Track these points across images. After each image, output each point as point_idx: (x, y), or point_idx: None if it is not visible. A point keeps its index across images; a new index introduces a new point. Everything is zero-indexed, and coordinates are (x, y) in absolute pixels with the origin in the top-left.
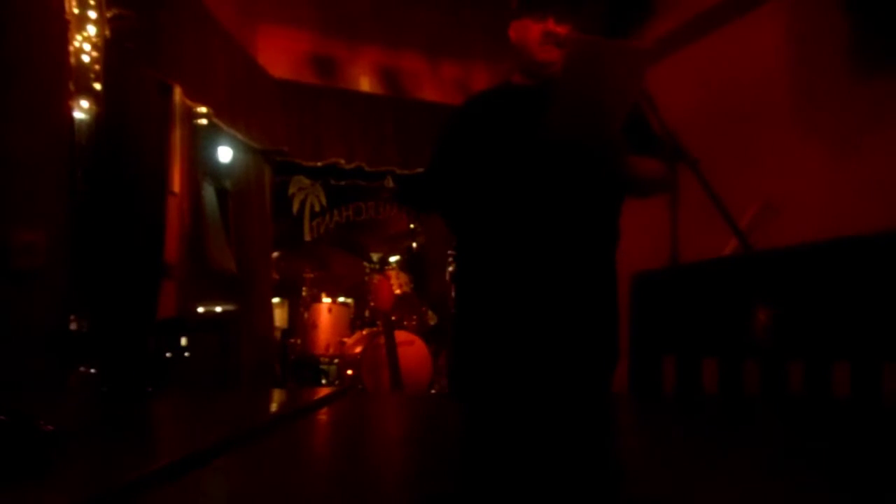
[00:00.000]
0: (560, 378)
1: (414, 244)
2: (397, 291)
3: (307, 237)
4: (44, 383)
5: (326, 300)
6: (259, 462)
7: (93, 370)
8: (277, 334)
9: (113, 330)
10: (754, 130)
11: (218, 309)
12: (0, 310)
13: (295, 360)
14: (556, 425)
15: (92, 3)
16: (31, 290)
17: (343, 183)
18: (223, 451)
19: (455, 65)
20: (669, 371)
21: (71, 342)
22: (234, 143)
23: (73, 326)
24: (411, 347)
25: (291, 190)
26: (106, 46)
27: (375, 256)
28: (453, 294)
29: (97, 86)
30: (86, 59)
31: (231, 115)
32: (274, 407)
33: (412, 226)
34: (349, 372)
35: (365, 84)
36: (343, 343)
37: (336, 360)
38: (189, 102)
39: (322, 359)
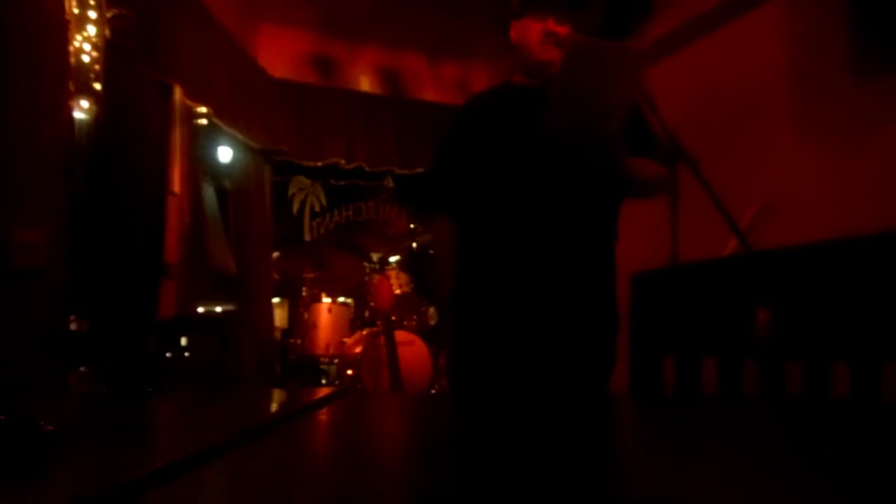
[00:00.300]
0: (559, 377)
1: (414, 244)
2: (397, 291)
3: (307, 237)
4: (44, 383)
5: (326, 300)
6: (259, 462)
7: (93, 370)
8: (277, 334)
9: (113, 330)
10: (754, 130)
11: (218, 309)
12: (0, 310)
13: (295, 360)
14: (556, 425)
15: (92, 3)
16: (31, 290)
17: (343, 183)
18: (223, 451)
19: (455, 65)
20: (669, 371)
21: (71, 342)
22: (234, 143)
23: (73, 326)
24: (411, 347)
25: (291, 190)
26: (106, 46)
27: (375, 256)
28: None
29: (97, 86)
30: (86, 59)
31: (231, 115)
32: (274, 407)
33: (412, 226)
34: (349, 372)
35: (365, 84)
36: (343, 343)
37: (336, 361)
38: (189, 102)
39: (322, 359)
